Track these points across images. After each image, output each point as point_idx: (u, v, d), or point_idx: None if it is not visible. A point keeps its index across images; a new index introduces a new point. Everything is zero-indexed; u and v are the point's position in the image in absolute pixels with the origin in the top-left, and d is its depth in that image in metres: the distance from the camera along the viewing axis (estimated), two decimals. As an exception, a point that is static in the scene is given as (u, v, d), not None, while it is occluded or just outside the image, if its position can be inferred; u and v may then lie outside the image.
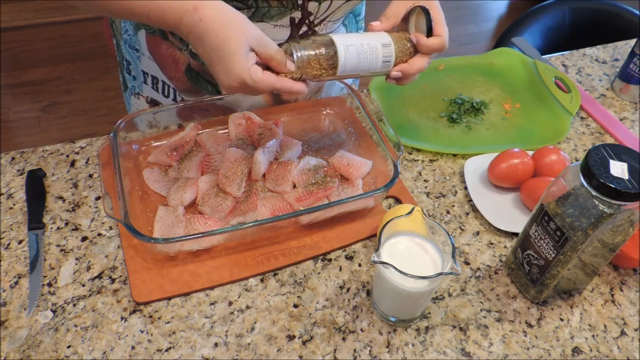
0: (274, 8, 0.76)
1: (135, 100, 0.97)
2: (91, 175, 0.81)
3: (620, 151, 0.56)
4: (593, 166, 0.54)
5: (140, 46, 0.87)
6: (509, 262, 0.70)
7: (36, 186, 0.77)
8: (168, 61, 0.86)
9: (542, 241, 0.62)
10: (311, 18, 0.79)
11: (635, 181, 0.53)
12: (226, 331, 0.64)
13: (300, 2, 0.76)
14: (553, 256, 0.61)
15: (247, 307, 0.66)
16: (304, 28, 0.81)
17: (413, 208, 0.62)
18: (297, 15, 0.78)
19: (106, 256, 0.71)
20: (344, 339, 0.64)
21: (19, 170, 0.81)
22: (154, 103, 0.94)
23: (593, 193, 0.55)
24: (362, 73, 0.69)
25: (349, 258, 0.72)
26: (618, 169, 0.54)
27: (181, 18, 0.60)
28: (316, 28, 0.82)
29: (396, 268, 0.56)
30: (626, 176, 0.54)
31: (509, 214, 0.78)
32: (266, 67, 0.63)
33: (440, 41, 0.69)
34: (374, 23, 0.70)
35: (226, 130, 0.86)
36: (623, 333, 0.66)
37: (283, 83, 0.64)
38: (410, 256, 0.61)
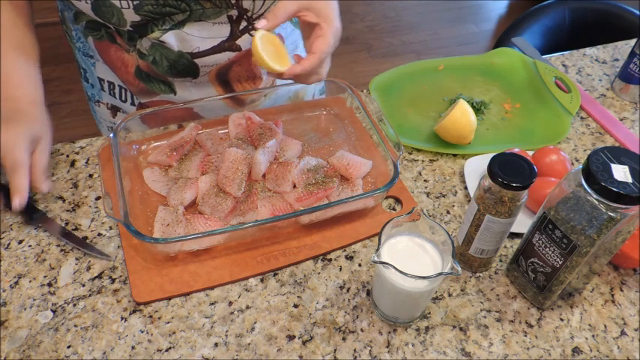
0: (209, 9, 0.77)
1: (97, 109, 0.97)
2: (91, 175, 0.81)
3: (618, 154, 0.56)
4: (596, 173, 0.54)
5: (94, 52, 0.87)
6: (512, 270, 0.70)
7: None
8: (119, 65, 0.86)
9: (547, 249, 0.61)
10: (249, 14, 0.80)
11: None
12: (226, 331, 0.64)
13: (233, 1, 0.77)
14: (560, 263, 0.61)
15: (247, 307, 0.66)
16: (244, 24, 0.81)
17: (413, 208, 0.62)
18: (235, 12, 0.79)
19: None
20: (344, 339, 0.64)
21: (19, 170, 0.81)
22: (114, 109, 0.94)
23: (600, 199, 0.54)
24: None
25: (349, 258, 0.72)
26: (621, 172, 0.54)
27: None
28: (255, 23, 0.82)
29: (396, 268, 0.56)
30: (629, 179, 0.53)
31: (509, 214, 0.78)
32: None
33: (302, 66, 0.68)
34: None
35: (226, 130, 0.86)
36: (623, 333, 0.66)
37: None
38: (410, 256, 0.61)
